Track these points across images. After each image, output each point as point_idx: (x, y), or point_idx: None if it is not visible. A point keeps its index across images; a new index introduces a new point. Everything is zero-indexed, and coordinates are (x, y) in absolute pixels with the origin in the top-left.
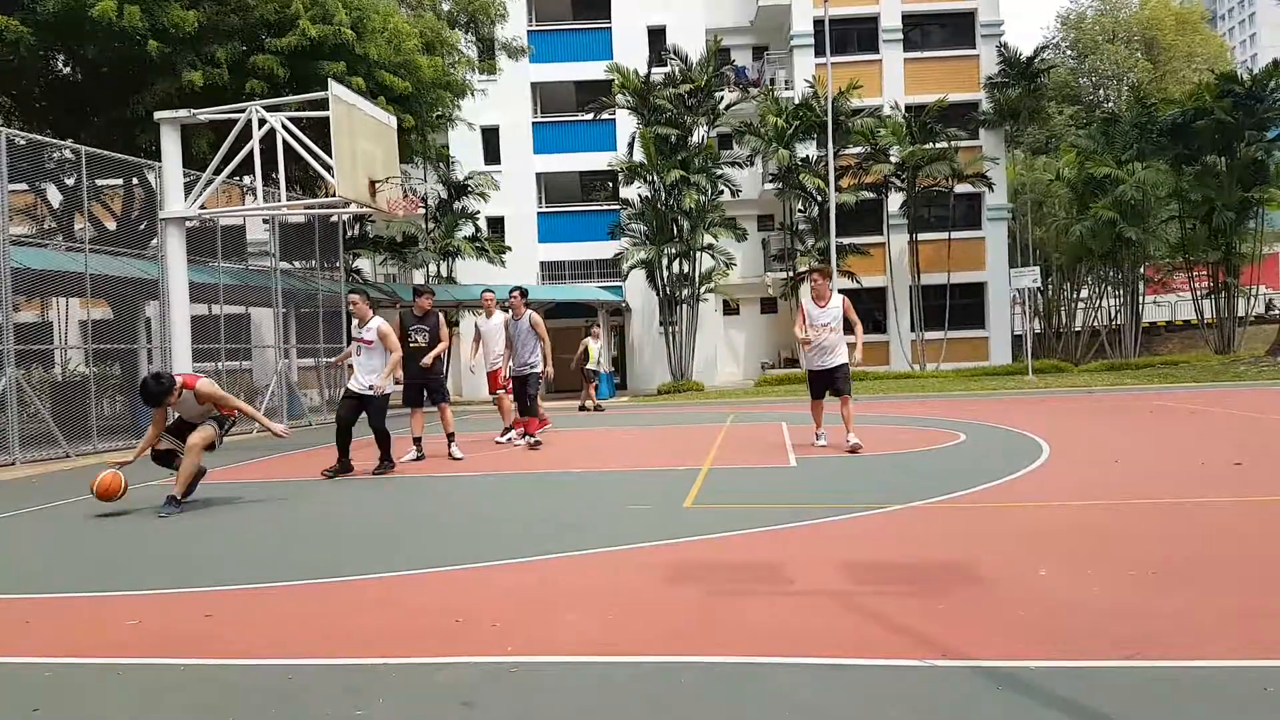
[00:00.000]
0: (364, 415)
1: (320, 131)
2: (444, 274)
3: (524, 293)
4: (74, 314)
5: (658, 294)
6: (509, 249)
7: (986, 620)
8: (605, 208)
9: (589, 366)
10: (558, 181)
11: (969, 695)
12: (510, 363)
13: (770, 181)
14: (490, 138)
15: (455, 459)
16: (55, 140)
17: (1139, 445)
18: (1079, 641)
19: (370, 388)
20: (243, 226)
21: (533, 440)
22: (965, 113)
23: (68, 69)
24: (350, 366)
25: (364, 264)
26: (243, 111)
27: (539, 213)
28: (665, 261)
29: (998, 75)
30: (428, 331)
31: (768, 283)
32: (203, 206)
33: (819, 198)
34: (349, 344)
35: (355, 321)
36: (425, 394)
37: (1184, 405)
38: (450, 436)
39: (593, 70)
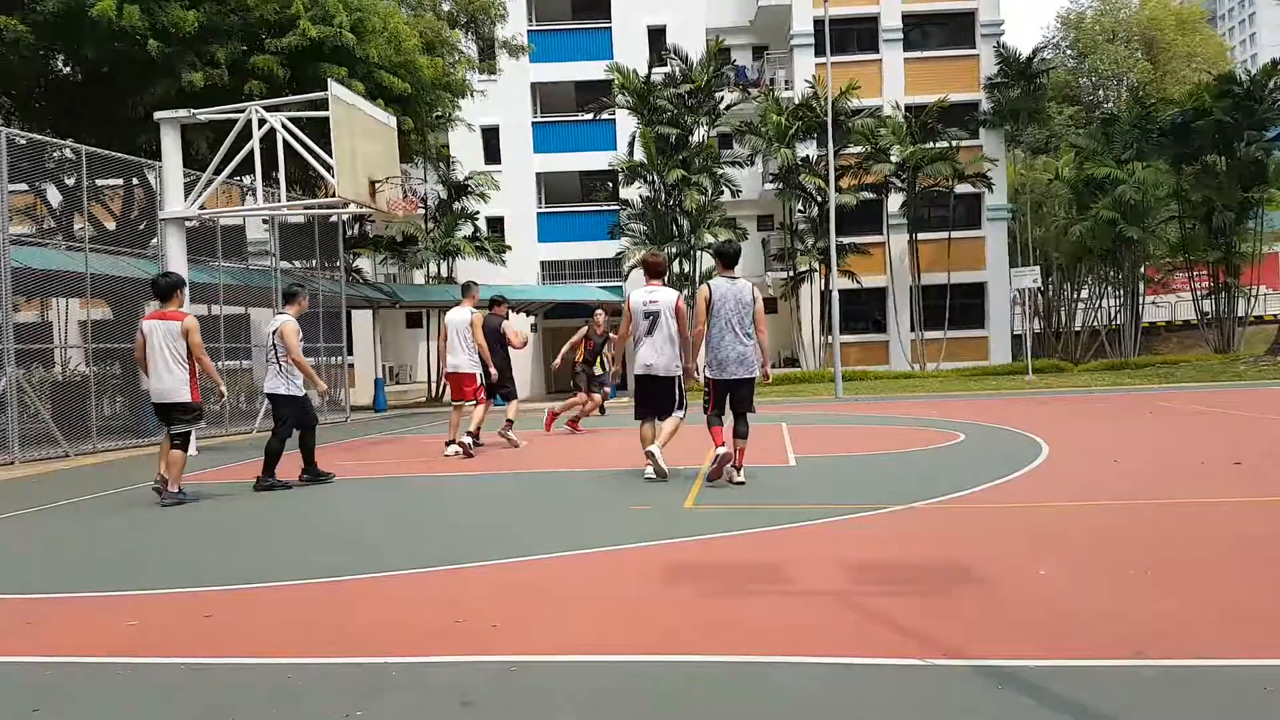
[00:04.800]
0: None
1: (320, 131)
2: (444, 274)
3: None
4: (74, 314)
5: None
6: (509, 248)
7: (986, 620)
8: (605, 208)
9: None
10: (557, 181)
11: (969, 695)
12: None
13: (770, 181)
14: (490, 138)
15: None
16: (55, 140)
17: (1139, 445)
18: (1079, 641)
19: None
20: (243, 226)
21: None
22: (965, 113)
23: (68, 69)
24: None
25: (364, 264)
26: (242, 111)
27: (539, 212)
28: None
29: (996, 76)
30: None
31: (768, 283)
32: (203, 206)
33: (819, 198)
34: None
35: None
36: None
37: (1184, 405)
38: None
39: (593, 70)
